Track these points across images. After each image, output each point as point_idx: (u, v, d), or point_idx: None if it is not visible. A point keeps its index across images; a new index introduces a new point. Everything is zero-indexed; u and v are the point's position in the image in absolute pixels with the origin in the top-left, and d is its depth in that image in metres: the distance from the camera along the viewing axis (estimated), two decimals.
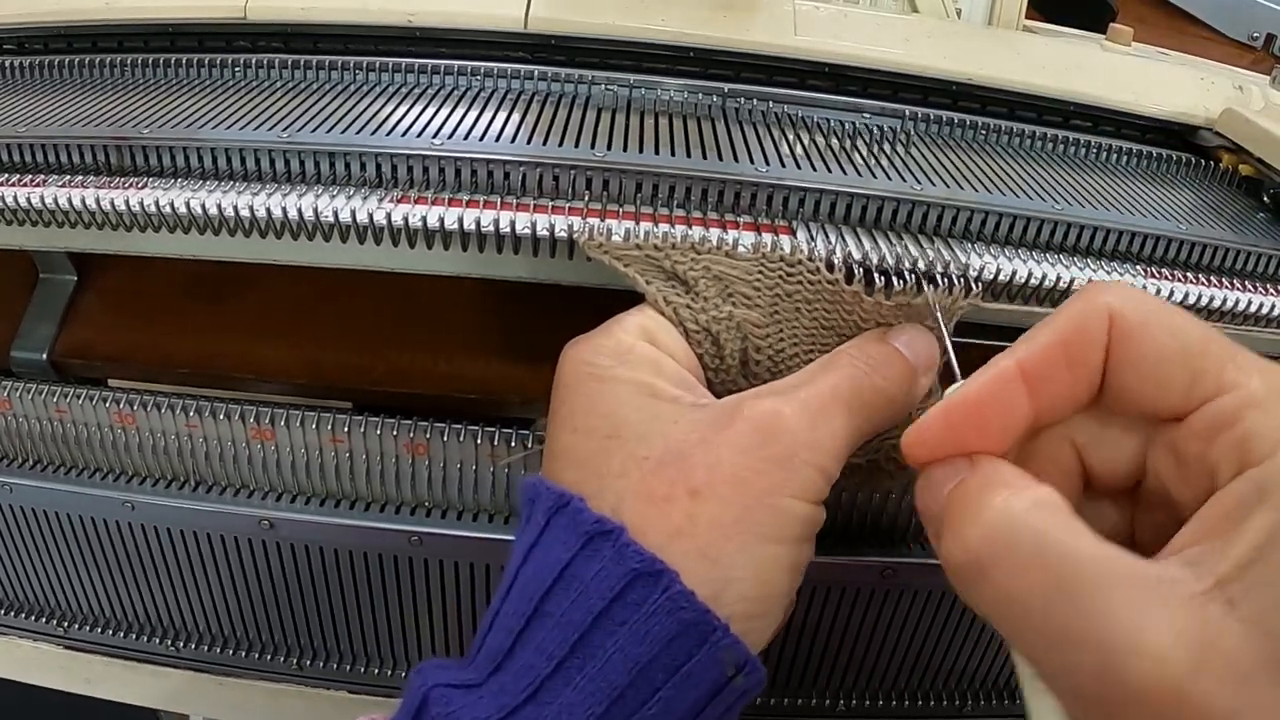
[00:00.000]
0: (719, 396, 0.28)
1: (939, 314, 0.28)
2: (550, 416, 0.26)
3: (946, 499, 0.20)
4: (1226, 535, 0.18)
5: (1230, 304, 0.32)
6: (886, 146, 0.37)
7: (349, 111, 0.35)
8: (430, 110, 0.35)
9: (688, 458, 0.23)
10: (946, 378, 0.27)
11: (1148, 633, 0.16)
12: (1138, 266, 0.33)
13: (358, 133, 0.33)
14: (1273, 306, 0.33)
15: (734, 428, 0.23)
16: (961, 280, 0.29)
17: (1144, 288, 0.32)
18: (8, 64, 0.40)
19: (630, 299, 0.28)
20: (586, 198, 0.32)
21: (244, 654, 0.40)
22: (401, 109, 0.35)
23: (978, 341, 0.32)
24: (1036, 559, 0.18)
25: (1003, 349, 0.22)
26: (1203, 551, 0.18)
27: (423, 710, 0.22)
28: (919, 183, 0.33)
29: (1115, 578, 0.17)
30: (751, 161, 0.33)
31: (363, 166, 0.32)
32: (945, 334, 0.27)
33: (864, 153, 0.36)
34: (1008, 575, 0.18)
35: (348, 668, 0.40)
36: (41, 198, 0.31)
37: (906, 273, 0.29)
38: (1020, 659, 0.20)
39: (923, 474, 0.21)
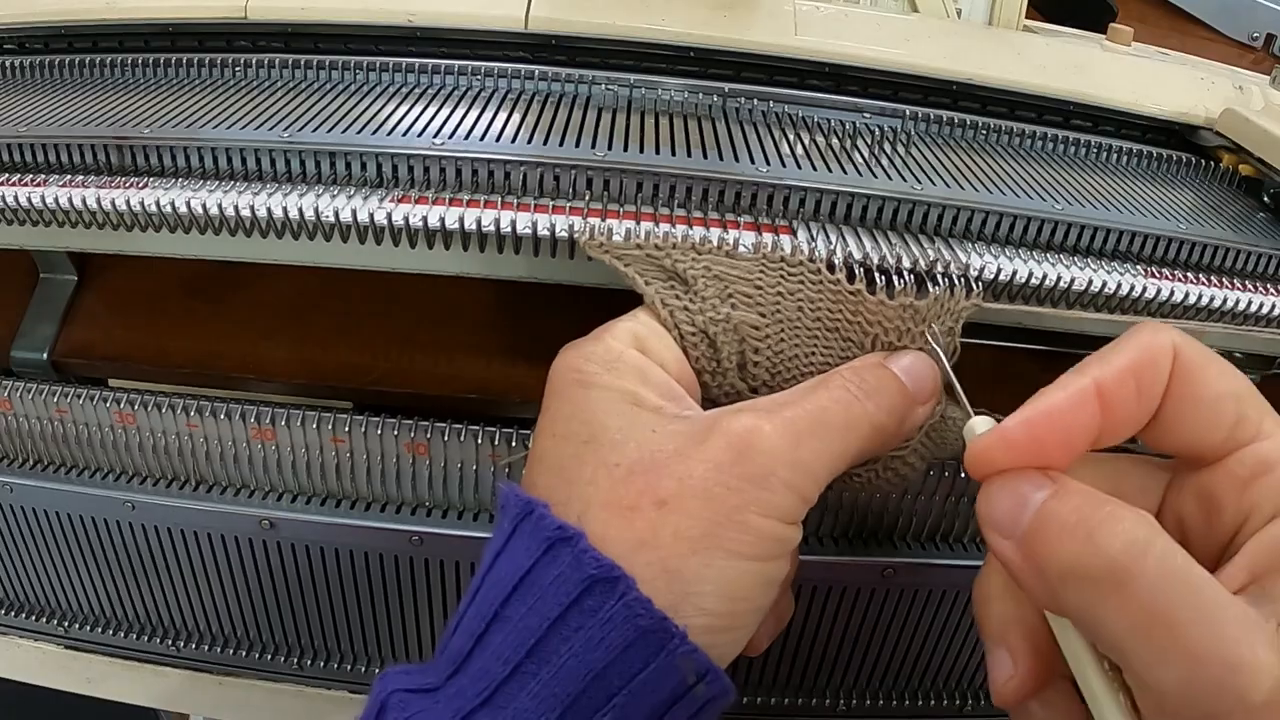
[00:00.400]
0: (715, 400, 0.28)
1: (949, 317, 0.27)
2: (537, 421, 0.26)
3: (1051, 511, 0.20)
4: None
5: (1230, 304, 0.32)
6: (887, 146, 0.37)
7: (349, 111, 0.35)
8: (431, 110, 0.35)
9: (659, 468, 0.23)
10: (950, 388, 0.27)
11: (1263, 655, 0.18)
12: (1138, 266, 0.33)
13: (358, 132, 0.33)
14: (1273, 306, 0.33)
15: (710, 442, 0.23)
16: (962, 280, 0.29)
17: (1144, 288, 0.32)
18: (8, 64, 0.40)
19: (631, 299, 0.28)
20: (587, 197, 0.32)
21: (244, 654, 0.40)
22: (402, 109, 0.35)
23: (977, 341, 0.32)
24: (1170, 575, 0.19)
25: (1002, 349, 0.22)
26: (1260, 589, 0.19)
27: (381, 715, 0.22)
28: (919, 183, 0.33)
29: (1228, 602, 0.19)
30: (752, 161, 0.33)
31: (363, 166, 0.32)
32: (940, 348, 0.27)
33: (864, 153, 0.36)
34: (1147, 587, 0.19)
35: (348, 667, 0.40)
36: (42, 197, 0.31)
37: (907, 273, 0.29)
38: (1095, 677, 0.21)
39: (995, 481, 0.22)
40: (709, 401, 0.28)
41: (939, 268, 0.29)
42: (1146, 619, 0.19)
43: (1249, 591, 0.20)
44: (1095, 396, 0.21)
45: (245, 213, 0.30)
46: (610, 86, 0.39)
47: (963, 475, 0.34)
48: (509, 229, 0.30)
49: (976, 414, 0.24)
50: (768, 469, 0.23)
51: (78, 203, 0.31)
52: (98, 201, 0.31)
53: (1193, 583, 0.19)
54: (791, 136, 0.37)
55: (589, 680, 0.21)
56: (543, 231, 0.30)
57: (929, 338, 0.27)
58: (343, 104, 0.35)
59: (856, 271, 0.29)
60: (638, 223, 0.30)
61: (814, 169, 0.34)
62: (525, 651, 0.22)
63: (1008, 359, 0.37)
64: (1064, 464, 0.22)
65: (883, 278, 0.29)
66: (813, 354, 0.28)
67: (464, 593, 0.24)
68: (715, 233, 0.30)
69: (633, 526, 0.22)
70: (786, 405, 0.24)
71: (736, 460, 0.23)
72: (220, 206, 0.30)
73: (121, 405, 0.35)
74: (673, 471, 0.23)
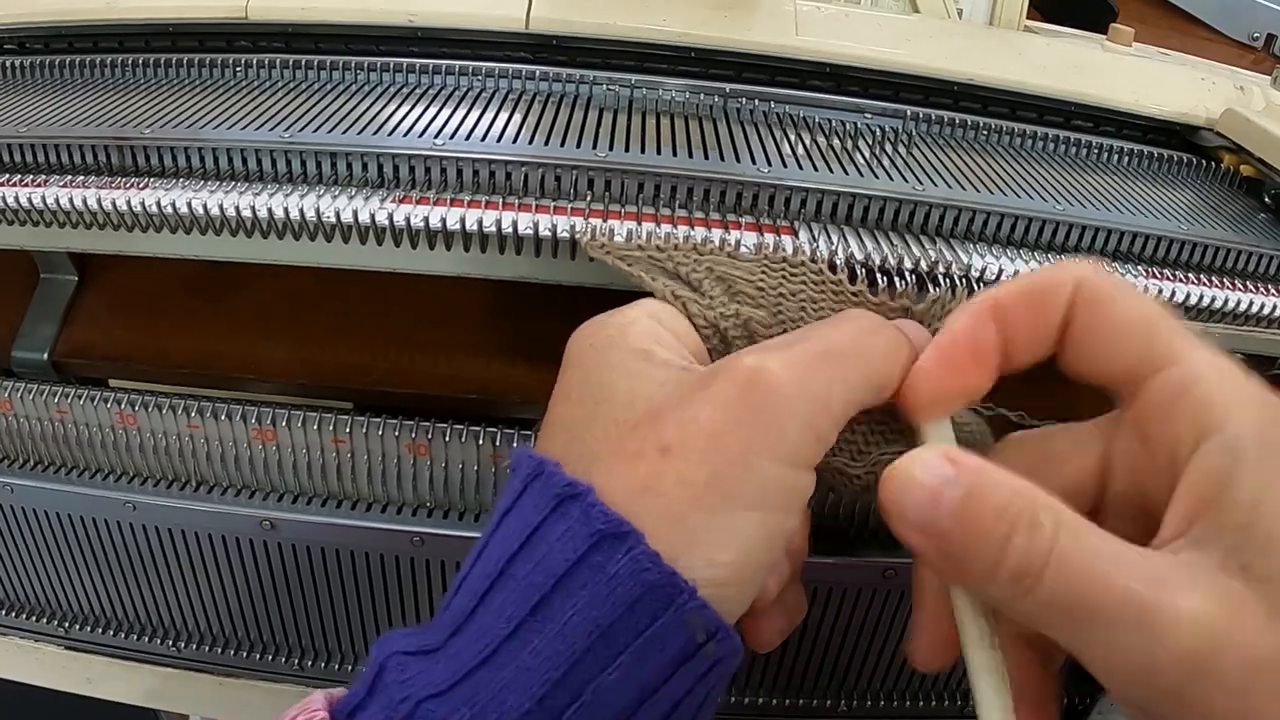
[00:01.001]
0: None
1: (941, 315, 0.27)
2: (554, 391, 0.26)
3: (957, 518, 0.20)
4: (1218, 506, 0.19)
5: (1230, 304, 0.32)
6: (888, 147, 0.37)
7: (350, 111, 0.35)
8: (431, 110, 0.35)
9: (663, 415, 0.22)
10: None
11: (1183, 603, 0.18)
12: (1139, 266, 0.33)
13: (359, 133, 0.33)
14: (1273, 307, 0.33)
15: (716, 383, 0.22)
16: (963, 281, 0.29)
17: (1145, 288, 0.32)
18: (9, 64, 0.40)
19: (633, 298, 0.28)
20: (588, 198, 0.32)
21: (245, 654, 0.40)
22: (403, 109, 0.35)
23: None
24: (1072, 565, 0.19)
25: None
26: (1203, 530, 0.19)
27: (379, 678, 0.22)
28: (920, 183, 0.33)
29: (1139, 566, 0.19)
30: (753, 162, 0.33)
31: (364, 167, 0.32)
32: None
33: (865, 153, 0.36)
34: (1051, 585, 0.19)
35: (349, 668, 0.40)
36: (43, 198, 0.31)
37: (908, 273, 0.29)
38: (973, 647, 0.22)
39: (902, 481, 0.21)
40: None
41: (940, 268, 0.29)
42: (1060, 611, 0.19)
43: (1191, 534, 0.20)
44: (989, 314, 0.23)
45: (246, 213, 0.30)
46: (611, 87, 0.39)
47: None
48: (510, 229, 0.30)
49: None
50: (777, 405, 0.22)
51: (78, 203, 0.31)
52: (98, 202, 0.31)
53: (1095, 561, 0.19)
54: (793, 137, 0.37)
55: (595, 637, 0.20)
56: (544, 232, 0.30)
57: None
58: (343, 104, 0.35)
59: (858, 272, 0.29)
60: (639, 223, 0.30)
61: (815, 170, 0.34)
62: (529, 609, 0.21)
63: None
64: (984, 380, 0.23)
65: (884, 278, 0.29)
66: None
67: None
68: (717, 233, 0.30)
69: (636, 473, 0.22)
70: (794, 342, 0.24)
71: (743, 396, 0.22)
72: (221, 207, 0.30)
73: (122, 406, 0.35)
74: (677, 417, 0.22)
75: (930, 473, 0.21)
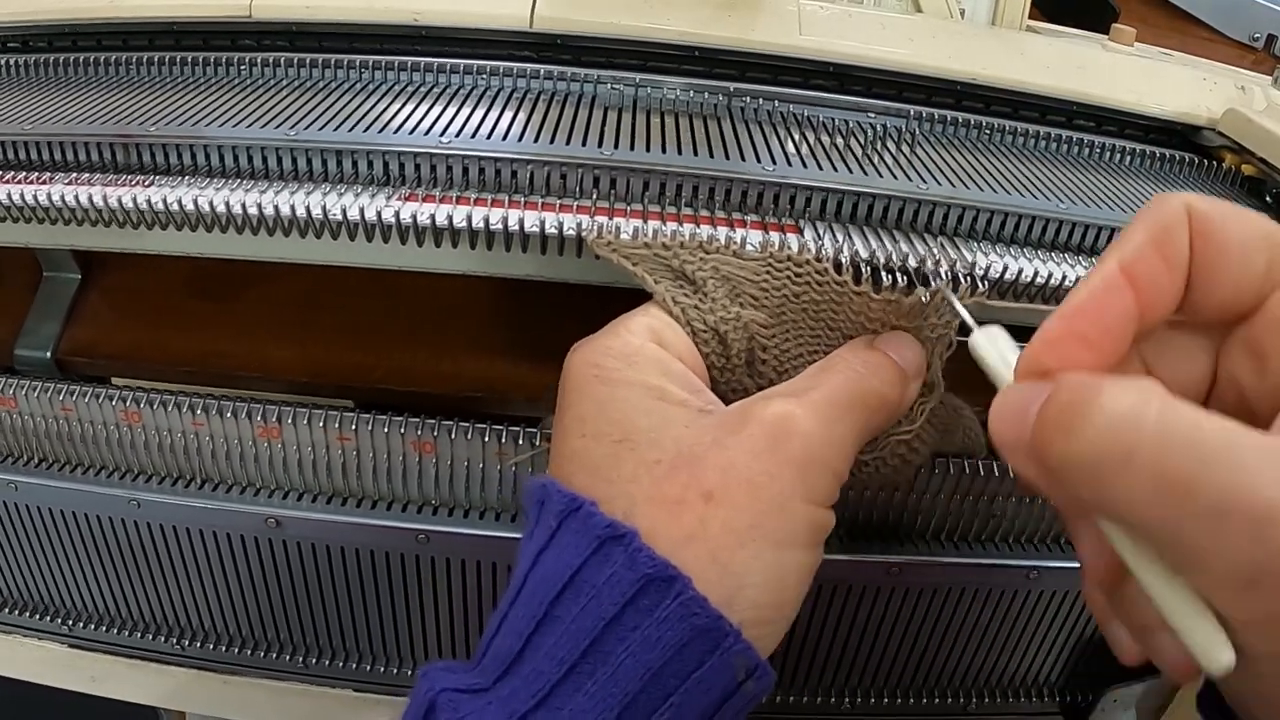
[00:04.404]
0: (723, 397, 0.28)
1: (948, 311, 0.28)
2: (557, 420, 0.26)
3: (1042, 413, 0.19)
4: None
5: None
6: (891, 146, 0.37)
7: (355, 110, 0.35)
8: (437, 109, 0.35)
9: (701, 461, 0.23)
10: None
11: None
12: None
13: (364, 131, 0.33)
14: None
15: (747, 430, 0.23)
16: (967, 279, 0.29)
17: None
18: (13, 62, 0.40)
19: (637, 298, 0.28)
20: (594, 196, 0.32)
21: (249, 652, 0.40)
22: (408, 107, 0.35)
23: None
24: (1170, 439, 0.17)
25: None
26: None
27: (430, 715, 0.22)
28: (924, 182, 0.33)
29: (1245, 447, 0.17)
30: (758, 160, 0.33)
31: (369, 165, 0.32)
32: (952, 331, 0.27)
33: (869, 152, 0.36)
34: (1147, 461, 0.17)
35: (353, 666, 0.40)
36: (47, 195, 0.31)
37: (912, 272, 0.29)
38: (1141, 561, 0.19)
39: (997, 398, 0.21)
40: (717, 396, 0.28)
41: (943, 266, 0.30)
42: (1160, 486, 0.17)
43: None
44: (1121, 279, 0.20)
45: (251, 211, 0.30)
46: (615, 86, 0.39)
47: (966, 472, 0.34)
48: (516, 227, 0.30)
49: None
50: (807, 452, 0.23)
51: (83, 200, 0.31)
52: (103, 199, 0.31)
53: (1201, 433, 0.17)
54: (797, 136, 0.37)
55: (646, 680, 0.21)
56: (550, 230, 0.30)
57: (925, 329, 0.27)
58: (348, 103, 0.35)
59: (862, 270, 0.29)
60: (645, 221, 0.30)
61: (819, 168, 0.34)
62: (580, 652, 0.21)
63: None
64: (1115, 354, 0.20)
65: (888, 276, 0.29)
66: (816, 353, 0.28)
67: (474, 589, 0.24)
68: (722, 231, 0.30)
69: (680, 521, 0.22)
70: (810, 389, 0.25)
71: (774, 446, 0.23)
72: (226, 204, 0.30)
73: (127, 403, 0.35)
74: (714, 463, 0.23)
75: (1020, 392, 0.20)
